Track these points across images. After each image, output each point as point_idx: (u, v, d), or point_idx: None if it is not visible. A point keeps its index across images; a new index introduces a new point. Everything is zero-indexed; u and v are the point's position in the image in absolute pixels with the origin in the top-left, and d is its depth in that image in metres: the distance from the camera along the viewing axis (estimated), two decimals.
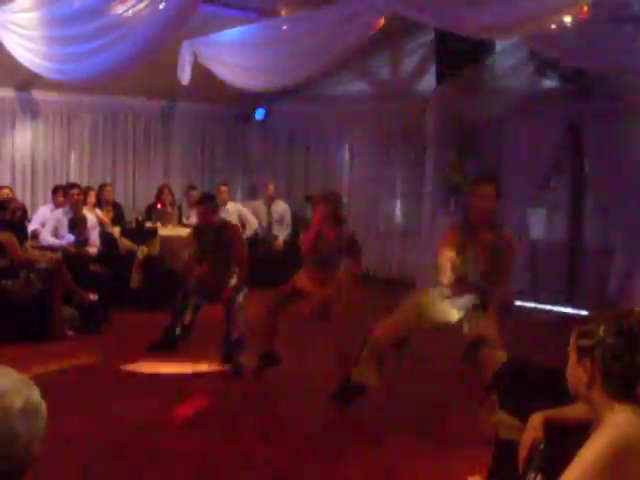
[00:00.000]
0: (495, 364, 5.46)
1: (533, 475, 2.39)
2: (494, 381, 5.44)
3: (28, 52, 7.72)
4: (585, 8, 6.21)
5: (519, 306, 10.41)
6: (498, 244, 5.79)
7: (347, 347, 6.43)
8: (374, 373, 5.94)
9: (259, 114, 12.92)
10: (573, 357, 2.37)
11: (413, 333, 5.99)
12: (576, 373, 2.35)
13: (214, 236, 7.49)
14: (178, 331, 7.65)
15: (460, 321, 5.74)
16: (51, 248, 8.98)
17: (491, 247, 5.74)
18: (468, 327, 5.68)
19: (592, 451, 2.14)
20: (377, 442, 5.61)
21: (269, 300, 6.87)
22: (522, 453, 2.73)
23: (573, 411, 2.69)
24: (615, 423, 2.19)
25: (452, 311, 5.78)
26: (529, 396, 3.60)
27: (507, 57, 9.78)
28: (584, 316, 2.42)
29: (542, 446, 2.48)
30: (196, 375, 7.08)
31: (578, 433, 2.38)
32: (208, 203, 7.66)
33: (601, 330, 2.28)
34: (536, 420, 2.80)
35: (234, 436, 5.61)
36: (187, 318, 7.63)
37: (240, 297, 7.28)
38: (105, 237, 9.81)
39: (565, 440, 2.49)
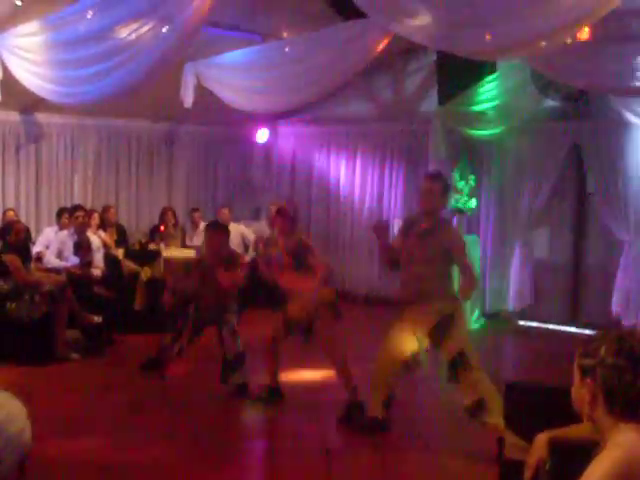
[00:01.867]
0: (475, 385, 5.51)
1: None
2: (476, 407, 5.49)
3: (33, 76, 7.77)
4: (586, 29, 6.26)
5: (523, 326, 10.42)
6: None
7: (346, 367, 6.46)
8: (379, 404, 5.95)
9: (262, 136, 12.96)
10: (577, 376, 2.37)
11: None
12: (580, 392, 2.35)
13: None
14: (175, 350, 7.55)
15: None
16: (55, 270, 8.98)
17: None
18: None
19: (598, 471, 2.14)
20: (380, 460, 5.61)
21: (269, 333, 6.87)
22: (527, 473, 2.73)
23: (578, 431, 2.69)
24: (620, 443, 2.18)
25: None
26: (534, 415, 3.61)
27: (509, 77, 9.82)
28: (587, 335, 2.42)
29: (548, 466, 2.48)
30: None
31: (584, 453, 2.38)
32: (222, 232, 7.52)
33: (602, 350, 2.28)
34: (541, 440, 2.79)
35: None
36: (185, 341, 7.52)
37: (232, 319, 7.23)
38: (109, 259, 9.82)
39: (571, 460, 2.48)
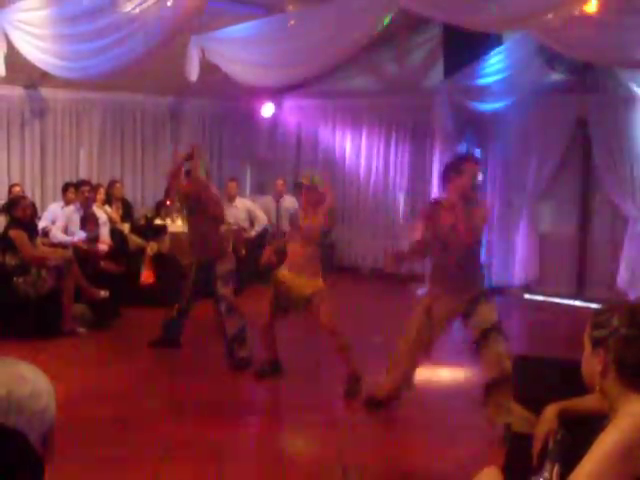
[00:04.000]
0: (498, 362, 5.48)
1: (550, 466, 2.40)
2: (493, 385, 5.47)
3: (37, 50, 7.74)
4: (593, 2, 6.21)
5: (529, 299, 10.43)
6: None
7: (345, 342, 6.49)
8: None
9: (267, 109, 12.92)
10: (588, 348, 2.38)
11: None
12: (591, 363, 2.36)
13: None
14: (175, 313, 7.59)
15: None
16: (62, 245, 9.01)
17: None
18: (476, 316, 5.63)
19: (608, 441, 2.15)
20: (386, 439, 5.64)
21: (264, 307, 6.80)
22: (536, 445, 2.75)
23: (587, 402, 2.70)
24: (630, 413, 2.20)
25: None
26: (542, 388, 3.62)
27: (515, 50, 9.76)
28: (598, 307, 2.43)
29: (559, 437, 2.49)
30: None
31: (593, 424, 2.40)
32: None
33: (615, 320, 2.30)
34: (550, 412, 2.81)
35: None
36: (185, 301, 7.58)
37: (228, 293, 7.22)
38: (115, 234, 9.83)
39: (580, 431, 2.50)
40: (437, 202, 5.91)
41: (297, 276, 6.50)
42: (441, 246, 5.66)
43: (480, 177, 9.94)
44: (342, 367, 6.46)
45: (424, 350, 5.86)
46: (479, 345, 5.57)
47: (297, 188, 6.82)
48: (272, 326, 6.77)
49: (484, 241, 5.83)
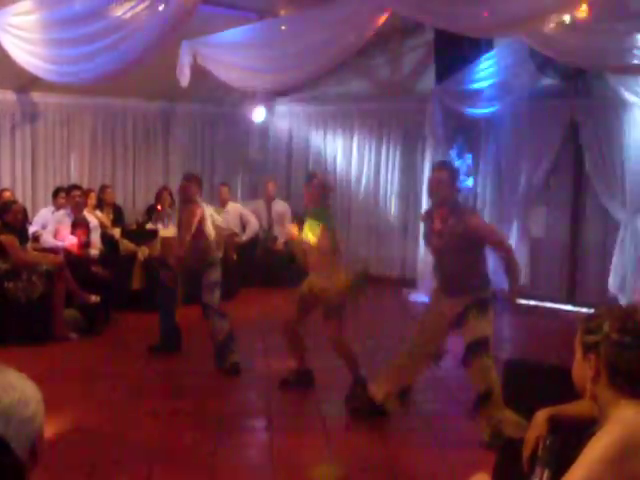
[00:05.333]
0: (483, 377, 5.48)
1: (540, 471, 2.39)
2: (481, 399, 5.47)
3: (28, 55, 7.72)
4: (585, 7, 6.23)
5: (520, 304, 10.43)
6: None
7: (348, 348, 6.47)
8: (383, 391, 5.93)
9: (259, 114, 12.91)
10: (579, 353, 2.38)
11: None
12: (582, 369, 2.36)
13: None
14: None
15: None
16: (52, 250, 8.98)
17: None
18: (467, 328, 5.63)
19: (598, 448, 2.15)
20: (379, 442, 5.64)
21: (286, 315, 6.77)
22: (526, 450, 2.74)
23: (578, 408, 2.70)
24: (621, 419, 2.20)
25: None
26: (533, 393, 3.62)
27: (507, 55, 9.78)
28: (589, 312, 2.43)
29: (549, 442, 2.49)
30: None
31: (584, 429, 2.40)
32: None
33: (606, 326, 2.29)
34: (541, 417, 2.80)
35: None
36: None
37: (215, 300, 7.26)
38: (106, 239, 9.81)
39: (571, 437, 2.49)
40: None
41: (321, 278, 6.39)
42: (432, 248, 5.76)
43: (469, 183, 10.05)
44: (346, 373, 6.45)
45: (431, 358, 5.88)
46: (466, 357, 5.59)
47: (309, 179, 6.71)
48: (296, 331, 6.69)
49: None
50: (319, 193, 6.48)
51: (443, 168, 5.88)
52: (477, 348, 5.49)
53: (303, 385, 6.75)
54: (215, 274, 7.36)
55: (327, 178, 6.65)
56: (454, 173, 5.89)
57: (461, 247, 5.58)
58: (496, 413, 5.34)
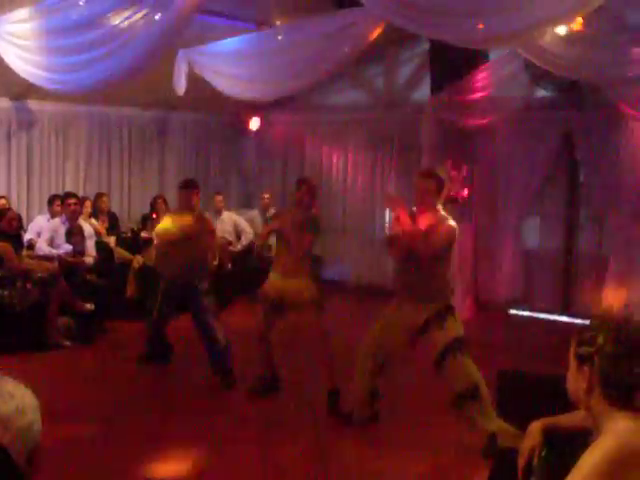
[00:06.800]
0: (465, 371, 5.51)
1: None
2: (467, 395, 5.49)
3: (25, 62, 7.72)
4: (580, 20, 6.26)
5: (515, 315, 10.46)
6: None
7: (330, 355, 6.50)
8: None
9: (254, 123, 12.93)
10: (573, 365, 2.39)
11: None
12: (576, 380, 2.37)
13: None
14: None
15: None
16: (47, 258, 8.97)
17: None
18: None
19: (592, 459, 2.16)
20: (370, 449, 5.64)
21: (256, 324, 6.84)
22: (520, 461, 2.75)
23: (572, 418, 2.71)
24: (615, 431, 2.21)
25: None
26: (527, 404, 3.63)
27: (502, 66, 9.81)
28: (583, 324, 2.44)
29: (543, 452, 2.50)
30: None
31: (578, 440, 2.40)
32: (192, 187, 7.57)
33: (600, 338, 2.30)
34: (535, 428, 2.81)
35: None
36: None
37: (210, 305, 7.27)
38: (101, 247, 9.81)
39: (565, 447, 2.50)
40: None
41: (289, 279, 6.56)
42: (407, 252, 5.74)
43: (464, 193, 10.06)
44: (325, 380, 6.46)
45: (384, 362, 5.90)
46: (442, 361, 5.59)
47: (299, 184, 6.80)
48: (266, 339, 6.75)
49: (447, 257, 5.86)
50: (308, 199, 6.57)
51: (430, 177, 5.90)
52: (449, 349, 5.54)
53: (273, 391, 6.82)
54: (205, 282, 7.36)
55: (315, 184, 6.71)
56: (440, 182, 5.91)
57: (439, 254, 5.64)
58: (478, 414, 5.38)
